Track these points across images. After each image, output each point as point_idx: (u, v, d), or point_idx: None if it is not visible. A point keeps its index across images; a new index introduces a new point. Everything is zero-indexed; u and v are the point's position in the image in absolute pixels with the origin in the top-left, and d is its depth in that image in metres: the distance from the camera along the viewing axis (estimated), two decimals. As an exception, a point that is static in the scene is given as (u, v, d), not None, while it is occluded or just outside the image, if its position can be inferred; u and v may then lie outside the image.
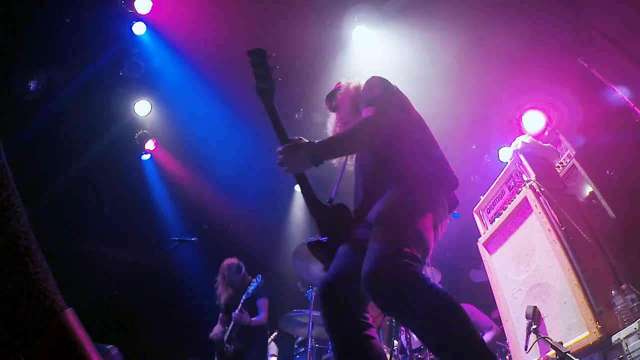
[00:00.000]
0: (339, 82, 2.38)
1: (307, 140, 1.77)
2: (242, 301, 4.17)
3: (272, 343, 5.11)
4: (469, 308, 4.74)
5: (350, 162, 2.29)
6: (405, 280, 1.41)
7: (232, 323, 4.17)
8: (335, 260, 1.78)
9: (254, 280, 4.27)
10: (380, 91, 2.02)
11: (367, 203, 1.89)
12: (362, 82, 2.26)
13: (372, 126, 1.83)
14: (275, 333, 5.16)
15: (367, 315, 1.68)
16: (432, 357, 3.53)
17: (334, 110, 2.33)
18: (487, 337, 4.26)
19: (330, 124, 2.30)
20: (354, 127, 1.87)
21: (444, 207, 1.87)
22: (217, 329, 4.35)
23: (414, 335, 4.41)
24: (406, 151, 1.89)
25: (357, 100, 2.19)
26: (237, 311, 4.12)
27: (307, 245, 1.87)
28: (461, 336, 1.36)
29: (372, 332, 1.63)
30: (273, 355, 5.06)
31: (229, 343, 4.12)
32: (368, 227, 1.76)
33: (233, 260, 4.61)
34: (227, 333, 4.17)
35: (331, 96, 2.35)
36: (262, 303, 4.39)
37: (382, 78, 2.13)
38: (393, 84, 2.12)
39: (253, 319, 4.21)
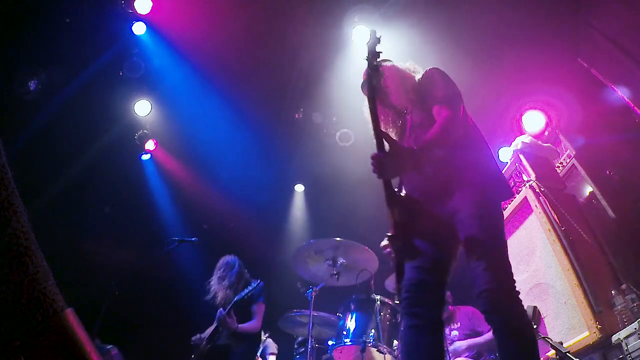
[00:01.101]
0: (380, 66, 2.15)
1: (406, 148, 1.77)
2: (232, 302, 3.81)
3: (270, 340, 4.98)
4: (469, 310, 4.73)
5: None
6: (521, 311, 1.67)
7: (215, 324, 3.84)
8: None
9: (252, 282, 3.99)
10: (453, 89, 2.03)
11: (431, 198, 1.94)
12: (409, 68, 2.23)
13: (452, 128, 1.86)
14: (267, 335, 4.94)
15: None
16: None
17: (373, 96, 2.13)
18: (486, 336, 4.26)
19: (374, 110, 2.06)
20: (440, 131, 1.85)
21: None
22: (209, 330, 4.04)
23: None
24: (476, 157, 1.97)
25: (411, 88, 2.14)
26: (224, 312, 3.72)
27: (388, 239, 1.86)
28: None
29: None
30: (272, 353, 4.99)
31: (208, 342, 3.81)
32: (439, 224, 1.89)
33: (229, 258, 4.38)
34: (210, 333, 3.87)
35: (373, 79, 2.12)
36: (257, 308, 4.02)
37: (445, 73, 2.12)
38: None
39: (242, 325, 3.82)
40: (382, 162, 1.69)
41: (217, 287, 4.19)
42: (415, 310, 1.78)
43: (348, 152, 5.83)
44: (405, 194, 2.02)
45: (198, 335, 4.01)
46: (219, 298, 4.09)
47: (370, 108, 1.85)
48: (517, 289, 1.68)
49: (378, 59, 1.92)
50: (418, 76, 2.20)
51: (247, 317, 3.98)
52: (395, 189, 1.90)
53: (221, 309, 3.83)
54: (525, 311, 1.68)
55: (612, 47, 3.73)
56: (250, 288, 3.91)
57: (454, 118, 1.88)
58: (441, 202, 1.91)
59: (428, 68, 2.16)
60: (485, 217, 1.78)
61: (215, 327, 3.88)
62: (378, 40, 1.90)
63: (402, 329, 1.83)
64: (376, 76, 1.89)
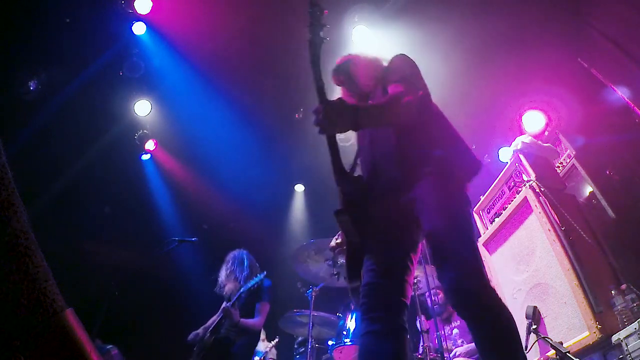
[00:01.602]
0: (347, 55, 2.26)
1: (344, 101, 1.69)
2: (238, 293, 3.86)
3: (273, 349, 4.97)
4: None
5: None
6: (495, 301, 1.53)
7: (219, 314, 3.89)
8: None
9: (259, 275, 3.99)
10: (412, 71, 2.00)
11: (388, 182, 1.86)
12: (376, 56, 2.21)
13: (407, 104, 1.78)
14: (277, 340, 4.94)
15: None
16: (432, 356, 3.53)
17: (342, 84, 2.21)
18: None
19: (343, 96, 2.13)
20: (391, 100, 1.79)
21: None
22: (211, 321, 4.09)
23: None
24: (435, 137, 1.87)
25: (376, 72, 2.13)
26: (229, 303, 3.81)
27: (334, 214, 1.81)
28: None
29: None
30: (271, 359, 4.98)
31: (212, 334, 3.84)
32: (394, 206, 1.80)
33: (238, 252, 4.37)
34: (214, 323, 3.91)
35: (341, 69, 2.22)
36: (261, 307, 4.03)
37: (410, 58, 2.09)
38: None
39: (244, 319, 3.87)
40: (321, 113, 1.64)
41: (225, 280, 4.19)
42: (374, 315, 1.63)
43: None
44: (358, 175, 1.94)
45: (196, 332, 4.00)
46: (225, 290, 4.10)
47: (311, 58, 1.89)
48: (490, 282, 1.58)
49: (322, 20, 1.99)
50: (385, 63, 2.18)
51: (250, 314, 3.97)
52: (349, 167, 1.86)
53: (229, 302, 3.86)
54: (503, 304, 1.54)
55: (612, 47, 3.73)
56: (255, 279, 3.90)
57: (407, 95, 1.79)
58: (398, 187, 1.82)
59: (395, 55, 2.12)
60: (451, 206, 1.69)
61: (219, 318, 3.90)
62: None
63: (359, 335, 1.68)
64: (318, 29, 1.97)
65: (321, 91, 1.75)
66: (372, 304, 1.65)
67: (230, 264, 4.26)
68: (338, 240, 2.13)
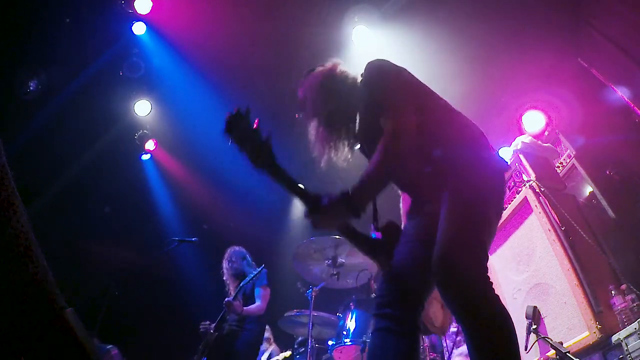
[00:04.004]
0: (301, 83, 2.05)
1: (335, 194, 1.55)
2: (238, 287, 3.94)
3: (275, 346, 4.94)
4: None
5: None
6: (479, 277, 1.43)
7: (223, 310, 3.96)
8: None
9: (257, 269, 4.07)
10: (395, 86, 1.77)
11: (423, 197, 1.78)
12: (334, 67, 1.96)
13: (395, 147, 1.61)
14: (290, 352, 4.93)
15: None
16: (432, 356, 3.53)
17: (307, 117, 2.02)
18: None
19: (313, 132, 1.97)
20: (379, 159, 1.60)
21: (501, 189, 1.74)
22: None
23: None
24: (446, 139, 1.73)
25: (335, 87, 1.90)
26: (230, 297, 3.88)
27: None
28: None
29: None
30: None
31: (215, 330, 3.90)
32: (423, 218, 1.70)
33: (237, 248, 4.48)
34: (217, 320, 3.97)
35: (302, 102, 2.04)
36: (261, 292, 4.14)
37: (387, 66, 1.84)
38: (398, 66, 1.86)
39: (247, 307, 3.97)
40: (313, 219, 1.56)
41: (227, 277, 4.31)
42: (389, 312, 1.56)
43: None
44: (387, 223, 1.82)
45: (207, 322, 4.05)
46: (231, 288, 4.19)
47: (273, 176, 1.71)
48: (487, 272, 1.47)
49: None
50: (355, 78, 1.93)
51: (252, 302, 4.09)
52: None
53: (231, 297, 3.94)
54: (498, 298, 1.43)
55: (612, 47, 3.73)
56: (255, 272, 3.99)
57: (397, 132, 1.62)
58: (417, 199, 1.78)
59: (368, 64, 1.86)
60: (468, 198, 1.57)
61: (222, 314, 3.94)
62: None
63: (370, 332, 1.62)
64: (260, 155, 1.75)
65: (303, 197, 1.63)
66: (388, 300, 1.59)
67: (231, 259, 4.34)
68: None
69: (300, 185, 1.65)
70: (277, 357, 4.60)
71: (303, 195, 1.63)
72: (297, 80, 1.93)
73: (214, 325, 3.96)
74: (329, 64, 2.00)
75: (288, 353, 4.56)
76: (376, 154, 1.63)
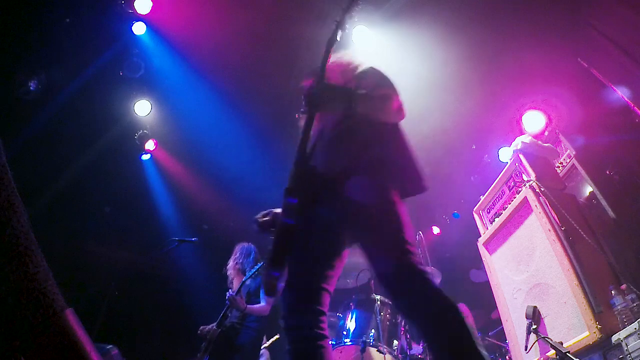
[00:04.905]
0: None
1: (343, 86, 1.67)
2: (242, 281, 3.90)
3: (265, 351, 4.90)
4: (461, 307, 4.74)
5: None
6: (418, 276, 1.48)
7: (226, 305, 3.93)
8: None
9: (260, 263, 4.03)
10: (389, 81, 1.94)
11: (334, 176, 1.75)
12: (349, 59, 2.14)
13: (399, 105, 1.77)
14: (277, 336, 4.92)
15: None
16: (431, 357, 3.53)
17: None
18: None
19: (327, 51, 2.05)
20: (384, 96, 1.78)
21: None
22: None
23: (413, 343, 4.41)
24: (391, 145, 1.80)
25: (345, 76, 2.02)
26: (233, 292, 3.85)
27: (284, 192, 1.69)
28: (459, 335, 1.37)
29: None
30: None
31: (217, 326, 3.88)
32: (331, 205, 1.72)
33: (245, 244, 4.43)
34: (220, 316, 3.95)
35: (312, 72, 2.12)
36: None
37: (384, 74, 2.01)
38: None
39: (250, 305, 3.92)
40: (313, 91, 1.63)
41: (232, 272, 4.26)
42: (292, 323, 1.63)
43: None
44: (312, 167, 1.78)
45: (206, 328, 4.04)
46: (235, 285, 4.16)
47: (326, 50, 1.89)
48: (423, 269, 1.51)
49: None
50: (359, 68, 2.09)
51: (256, 301, 4.05)
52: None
53: (231, 290, 3.91)
54: (441, 292, 1.47)
55: (612, 47, 3.73)
56: (257, 266, 3.94)
57: (396, 97, 1.77)
58: (337, 186, 1.74)
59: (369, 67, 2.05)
60: (380, 201, 1.63)
61: (225, 309, 3.93)
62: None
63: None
64: (339, 30, 1.98)
65: (323, 69, 1.74)
66: (290, 309, 1.66)
67: (237, 255, 4.33)
68: (266, 219, 2.00)
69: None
70: (266, 343, 4.61)
71: (323, 68, 1.77)
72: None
73: (217, 322, 3.96)
74: (341, 54, 2.19)
75: (276, 337, 4.60)
76: (384, 90, 1.78)
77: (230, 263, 4.34)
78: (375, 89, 1.81)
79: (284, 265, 1.64)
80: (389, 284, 1.52)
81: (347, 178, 1.67)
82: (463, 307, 4.70)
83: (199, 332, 4.00)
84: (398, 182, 1.72)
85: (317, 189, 1.73)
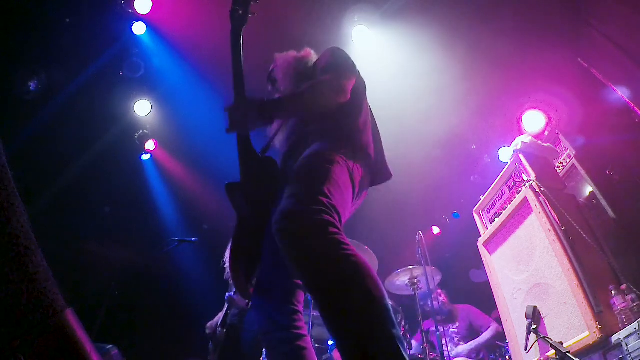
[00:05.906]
0: (275, 59, 2.16)
1: (252, 98, 1.59)
2: None
3: None
4: (466, 307, 4.75)
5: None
6: (316, 224, 1.26)
7: (226, 305, 3.97)
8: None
9: None
10: (338, 60, 1.87)
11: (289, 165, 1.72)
12: (306, 54, 2.12)
13: (328, 89, 1.66)
14: None
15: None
16: (432, 357, 3.53)
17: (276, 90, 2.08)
18: (486, 335, 4.27)
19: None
20: (308, 87, 1.68)
21: (366, 179, 1.70)
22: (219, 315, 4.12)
23: (413, 341, 4.41)
24: (347, 126, 1.73)
25: (303, 70, 2.01)
26: (231, 292, 3.89)
27: (225, 187, 1.68)
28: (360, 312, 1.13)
29: None
30: None
31: (222, 327, 3.91)
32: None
33: None
34: (222, 316, 3.98)
35: (272, 75, 2.13)
36: None
37: (341, 50, 1.97)
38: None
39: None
40: (230, 114, 1.57)
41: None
42: (267, 327, 1.60)
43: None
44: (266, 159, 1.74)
45: (213, 323, 4.05)
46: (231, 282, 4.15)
47: (232, 43, 1.78)
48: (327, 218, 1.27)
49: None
50: (314, 58, 2.06)
51: None
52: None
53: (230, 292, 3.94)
54: (331, 237, 1.24)
55: (612, 47, 3.73)
56: None
57: (332, 81, 1.68)
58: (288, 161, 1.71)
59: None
60: (316, 162, 1.51)
61: (225, 310, 3.94)
62: None
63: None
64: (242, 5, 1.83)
65: (238, 80, 1.66)
66: (262, 313, 1.65)
67: None
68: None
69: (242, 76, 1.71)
70: None
71: (238, 78, 1.69)
72: (271, 55, 2.03)
73: (218, 323, 3.97)
74: (302, 51, 2.17)
75: None
76: (310, 83, 1.70)
77: (230, 263, 4.34)
78: (313, 83, 1.72)
79: (249, 269, 1.64)
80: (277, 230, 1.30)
81: (297, 151, 1.65)
82: (468, 307, 4.69)
83: (207, 330, 4.02)
84: (349, 150, 1.61)
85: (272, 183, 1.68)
